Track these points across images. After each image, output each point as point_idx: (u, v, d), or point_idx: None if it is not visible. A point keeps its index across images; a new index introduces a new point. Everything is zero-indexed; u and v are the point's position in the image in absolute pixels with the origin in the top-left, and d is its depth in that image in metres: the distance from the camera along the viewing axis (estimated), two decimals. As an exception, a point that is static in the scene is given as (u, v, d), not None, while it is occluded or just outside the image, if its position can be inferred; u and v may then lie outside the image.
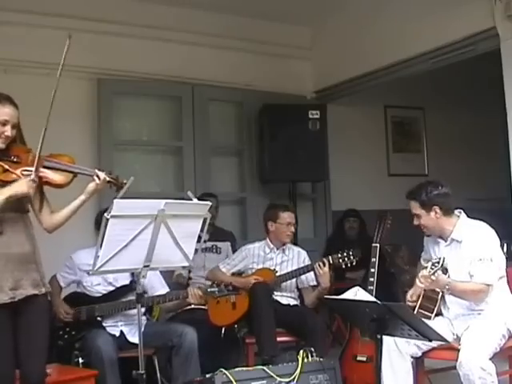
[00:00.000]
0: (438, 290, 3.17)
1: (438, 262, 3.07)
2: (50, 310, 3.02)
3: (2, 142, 2.65)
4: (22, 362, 2.63)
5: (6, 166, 2.64)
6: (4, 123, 2.64)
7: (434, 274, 3.03)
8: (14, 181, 2.63)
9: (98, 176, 2.77)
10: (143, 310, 3.67)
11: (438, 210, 3.24)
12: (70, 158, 2.83)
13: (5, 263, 2.59)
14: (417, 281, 3.14)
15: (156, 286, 3.81)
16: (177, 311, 4.18)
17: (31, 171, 2.62)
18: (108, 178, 2.79)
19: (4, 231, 2.61)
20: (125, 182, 2.83)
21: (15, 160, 2.67)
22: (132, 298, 3.62)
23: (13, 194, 2.58)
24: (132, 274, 3.62)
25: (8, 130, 2.65)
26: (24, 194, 2.61)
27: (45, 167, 2.70)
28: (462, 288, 3.11)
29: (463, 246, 3.24)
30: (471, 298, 3.17)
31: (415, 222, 3.33)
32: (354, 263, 4.02)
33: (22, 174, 2.63)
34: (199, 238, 2.77)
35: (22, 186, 2.59)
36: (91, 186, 2.78)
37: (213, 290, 3.69)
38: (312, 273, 4.13)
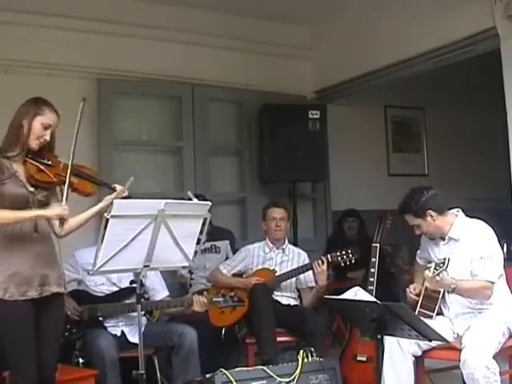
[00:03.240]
0: (439, 289, 3.17)
1: (443, 263, 3.07)
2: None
3: (37, 144, 2.72)
4: (40, 355, 2.65)
5: (42, 167, 2.72)
6: (47, 127, 2.72)
7: (438, 274, 3.04)
8: (48, 182, 2.72)
9: (116, 188, 2.88)
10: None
11: (433, 213, 3.25)
12: (91, 169, 2.94)
13: (34, 260, 2.66)
14: (425, 282, 3.14)
15: (157, 287, 3.81)
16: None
17: (64, 176, 2.69)
18: (126, 193, 2.88)
19: (38, 229, 2.68)
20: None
21: (49, 163, 2.75)
22: (134, 300, 3.63)
23: (40, 215, 2.64)
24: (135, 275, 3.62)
25: (47, 135, 2.73)
26: (57, 216, 2.66)
27: (75, 175, 2.77)
28: (467, 287, 3.11)
29: (461, 244, 3.25)
30: (477, 297, 3.17)
31: (417, 233, 3.35)
32: (352, 261, 4.04)
33: (55, 177, 2.72)
34: (198, 240, 2.77)
35: (55, 209, 2.66)
36: (109, 197, 2.87)
37: (218, 300, 3.67)
38: (311, 274, 4.15)
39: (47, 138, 2.72)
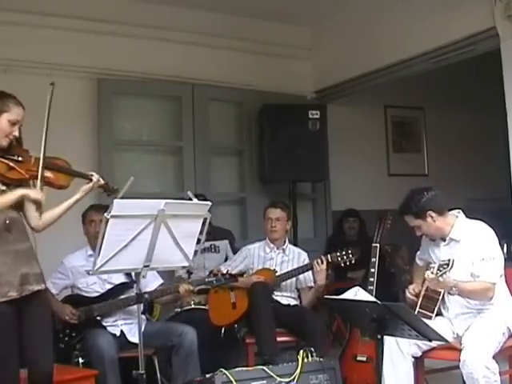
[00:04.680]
0: (440, 290, 3.17)
1: (447, 264, 3.07)
2: (52, 312, 3.03)
3: (6, 141, 2.69)
4: (31, 355, 2.63)
5: (12, 164, 2.67)
6: (14, 123, 2.68)
7: (441, 275, 3.03)
8: (19, 179, 2.67)
9: (92, 177, 2.85)
10: (142, 308, 3.66)
11: (433, 214, 3.24)
12: (65, 161, 2.88)
13: (14, 259, 2.62)
14: (426, 282, 3.13)
15: (149, 278, 3.76)
16: (177, 309, 4.20)
17: (36, 171, 2.66)
18: (102, 182, 2.87)
19: (11, 229, 2.64)
20: (115, 187, 2.93)
21: (19, 159, 2.70)
22: (129, 295, 3.64)
23: (26, 195, 2.63)
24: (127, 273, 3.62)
25: (16, 130, 2.69)
26: (36, 200, 2.64)
27: (47, 168, 2.73)
28: (469, 289, 3.11)
29: (462, 245, 3.24)
30: (479, 298, 3.16)
31: (418, 234, 3.35)
32: (352, 262, 4.05)
33: (27, 174, 2.68)
34: (198, 240, 2.77)
35: (37, 193, 2.64)
36: (85, 186, 2.85)
37: (211, 279, 3.70)
38: (310, 273, 4.15)
39: (16, 133, 2.69)
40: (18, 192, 2.62)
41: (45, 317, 2.77)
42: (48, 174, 2.74)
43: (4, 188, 2.66)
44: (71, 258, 3.78)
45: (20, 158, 2.70)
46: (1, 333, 2.56)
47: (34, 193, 2.65)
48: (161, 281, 3.85)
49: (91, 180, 2.85)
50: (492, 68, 4.33)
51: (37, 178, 2.67)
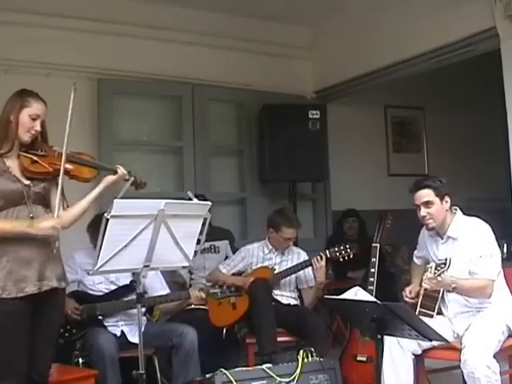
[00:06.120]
0: (439, 289, 3.17)
1: (445, 264, 3.07)
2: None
3: (29, 137, 2.70)
4: (32, 355, 2.63)
5: (35, 158, 2.70)
6: (35, 118, 2.70)
7: (439, 275, 3.03)
8: (43, 172, 2.69)
9: (118, 170, 2.87)
10: (143, 309, 3.67)
11: (448, 200, 3.25)
12: (89, 155, 2.94)
13: (33, 255, 2.61)
14: (423, 283, 3.12)
15: (156, 286, 3.82)
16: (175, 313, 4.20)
17: (59, 165, 2.66)
18: (128, 176, 2.89)
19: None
20: (144, 181, 2.97)
21: (42, 153, 2.73)
22: (133, 297, 3.64)
23: (34, 234, 2.58)
24: (133, 274, 3.62)
25: (37, 126, 2.71)
26: (46, 235, 2.60)
27: (70, 161, 2.75)
28: (468, 286, 3.12)
29: (460, 243, 3.25)
30: (477, 295, 3.17)
31: (423, 213, 3.25)
32: (351, 256, 4.05)
33: (50, 167, 2.69)
34: (198, 241, 2.77)
35: (46, 230, 2.58)
36: (109, 177, 2.87)
37: (215, 291, 3.71)
38: (311, 273, 4.15)
39: (38, 128, 2.70)
40: (21, 228, 2.57)
41: (58, 318, 2.79)
42: (71, 167, 2.76)
43: (28, 183, 2.67)
44: (82, 253, 3.76)
45: (43, 153, 2.73)
46: (14, 332, 2.55)
47: (41, 226, 2.58)
48: (167, 291, 3.86)
49: (116, 172, 2.87)
50: (492, 68, 4.33)
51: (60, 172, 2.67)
